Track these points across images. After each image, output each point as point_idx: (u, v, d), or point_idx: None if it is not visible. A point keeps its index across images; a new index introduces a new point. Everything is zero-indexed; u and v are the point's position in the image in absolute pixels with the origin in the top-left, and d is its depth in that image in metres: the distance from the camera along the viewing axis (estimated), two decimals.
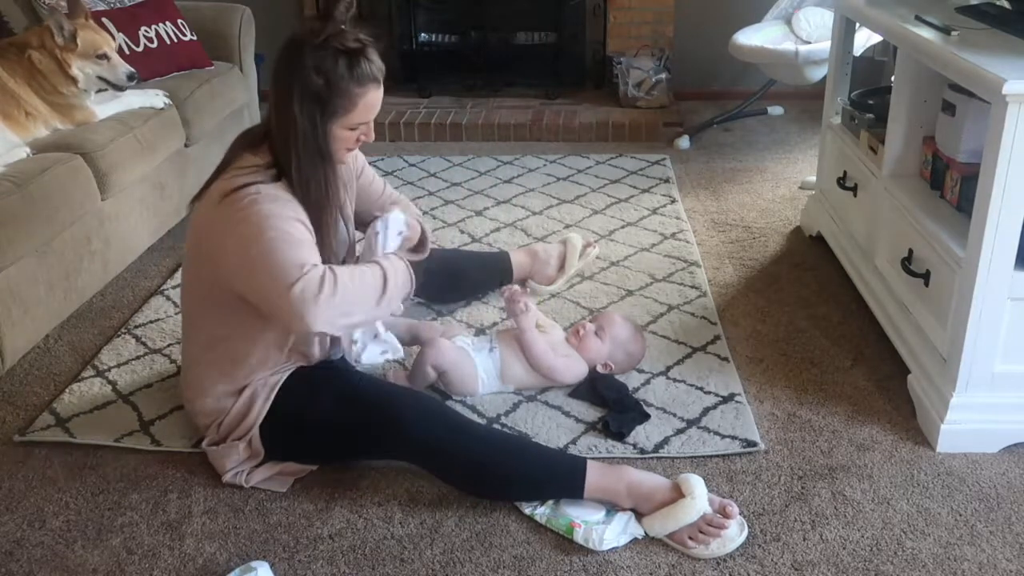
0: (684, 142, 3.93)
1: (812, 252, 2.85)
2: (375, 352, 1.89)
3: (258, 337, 1.75)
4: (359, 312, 1.69)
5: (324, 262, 1.67)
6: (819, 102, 2.97)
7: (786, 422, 2.01)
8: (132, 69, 2.69)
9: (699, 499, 1.66)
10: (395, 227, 1.92)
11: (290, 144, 1.65)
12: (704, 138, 4.03)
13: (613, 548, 1.64)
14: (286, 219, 1.63)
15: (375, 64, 1.65)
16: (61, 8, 2.75)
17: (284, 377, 1.80)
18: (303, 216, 1.67)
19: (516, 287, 2.16)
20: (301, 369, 1.83)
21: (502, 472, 1.73)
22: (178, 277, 2.72)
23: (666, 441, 1.94)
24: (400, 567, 1.63)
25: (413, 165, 3.73)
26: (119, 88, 2.70)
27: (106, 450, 1.95)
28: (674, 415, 2.02)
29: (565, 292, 2.59)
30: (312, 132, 1.64)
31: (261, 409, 1.78)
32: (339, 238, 1.81)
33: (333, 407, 1.78)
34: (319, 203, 1.70)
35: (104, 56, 2.64)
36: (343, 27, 1.63)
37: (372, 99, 1.66)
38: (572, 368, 2.10)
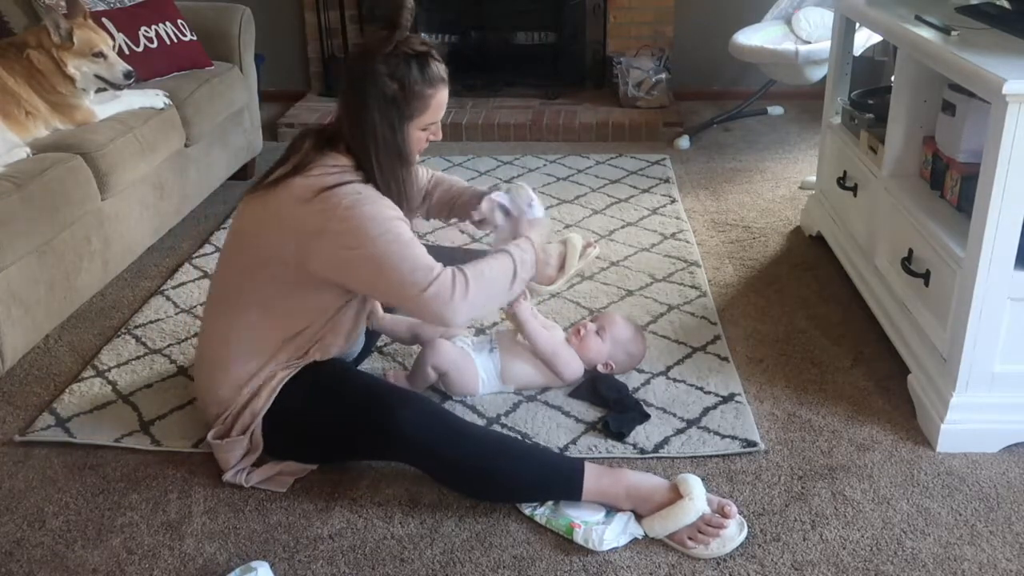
0: (684, 142, 3.93)
1: (812, 252, 2.85)
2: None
3: (320, 316, 1.80)
4: (493, 302, 1.83)
5: None
6: (819, 102, 2.98)
7: (786, 422, 2.01)
8: (129, 67, 2.69)
9: (697, 499, 1.66)
10: (524, 199, 1.99)
11: (370, 149, 1.72)
12: (704, 138, 4.03)
13: (613, 548, 1.64)
14: (395, 219, 1.70)
15: (441, 65, 1.75)
16: (60, 8, 2.75)
17: (292, 373, 1.81)
18: (402, 214, 1.74)
19: None
20: (305, 367, 1.83)
21: (499, 475, 1.72)
22: (178, 277, 2.73)
23: (666, 441, 1.94)
24: (400, 567, 1.63)
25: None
26: (116, 87, 2.70)
27: (106, 450, 1.95)
28: (674, 415, 2.02)
29: (565, 292, 2.59)
30: (392, 136, 1.72)
31: (266, 402, 1.78)
32: None
33: (331, 407, 1.78)
34: (399, 203, 1.76)
35: (101, 54, 2.63)
36: (408, 33, 1.71)
37: (442, 98, 1.76)
38: (572, 362, 2.10)
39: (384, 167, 1.74)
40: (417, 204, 1.99)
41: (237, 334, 1.80)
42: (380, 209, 1.70)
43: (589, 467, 1.73)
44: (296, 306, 1.79)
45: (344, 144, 1.75)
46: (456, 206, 2.10)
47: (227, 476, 1.81)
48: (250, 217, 1.79)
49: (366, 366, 2.19)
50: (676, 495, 1.68)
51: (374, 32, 1.71)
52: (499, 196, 1.99)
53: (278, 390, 1.79)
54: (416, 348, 2.14)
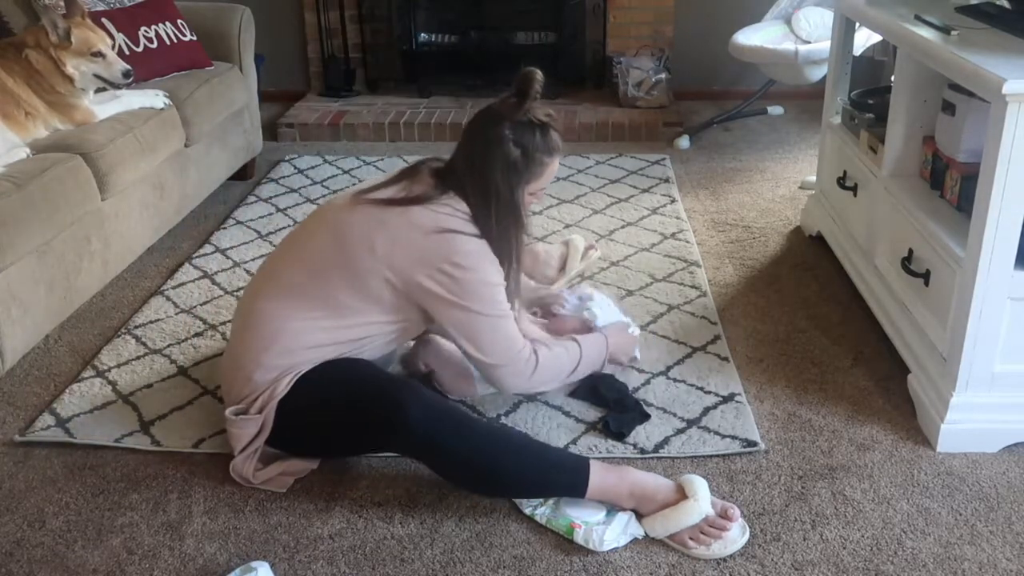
0: (684, 142, 3.93)
1: (812, 252, 2.85)
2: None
3: (377, 330, 1.84)
4: (548, 386, 1.97)
5: None
6: (819, 102, 2.98)
7: (786, 422, 2.01)
8: (128, 66, 2.69)
9: (702, 501, 1.66)
10: (606, 306, 2.20)
11: (491, 206, 1.81)
12: (704, 138, 4.03)
13: (613, 548, 1.64)
14: (501, 287, 1.83)
15: (560, 135, 1.86)
16: (59, 8, 2.75)
17: (312, 365, 1.81)
18: (504, 280, 1.85)
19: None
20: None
21: (504, 470, 1.72)
22: (178, 277, 2.73)
23: (666, 441, 1.94)
24: (400, 567, 1.63)
25: None
26: (115, 86, 2.70)
27: (106, 450, 1.95)
28: (674, 415, 2.02)
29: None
30: (510, 198, 1.81)
31: (286, 387, 1.78)
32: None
33: (339, 398, 1.78)
34: (508, 262, 1.86)
35: (99, 54, 2.63)
36: (534, 102, 1.80)
37: (555, 167, 1.88)
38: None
39: (501, 228, 1.82)
40: (520, 276, 2.04)
41: (298, 325, 1.79)
42: (493, 273, 1.81)
43: (594, 464, 1.73)
44: (363, 318, 1.81)
45: (461, 192, 1.82)
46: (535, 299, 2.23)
47: (237, 461, 1.81)
48: (359, 224, 1.80)
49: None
50: (680, 495, 1.68)
51: (505, 97, 1.81)
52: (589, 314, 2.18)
53: (299, 376, 1.79)
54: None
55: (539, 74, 1.77)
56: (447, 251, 1.76)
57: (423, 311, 1.83)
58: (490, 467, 1.72)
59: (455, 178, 1.83)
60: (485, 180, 1.79)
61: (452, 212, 1.79)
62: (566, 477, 1.72)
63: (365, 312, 1.81)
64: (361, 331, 1.82)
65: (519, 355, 1.85)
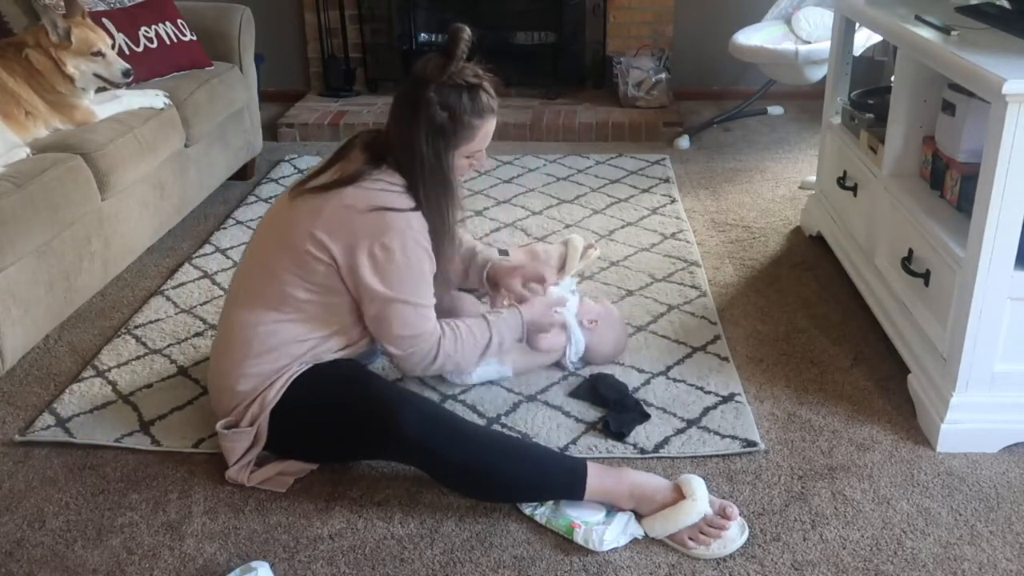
0: (684, 142, 3.93)
1: (812, 252, 2.85)
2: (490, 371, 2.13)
3: (350, 318, 1.84)
4: (454, 368, 1.96)
5: (438, 288, 1.86)
6: (819, 102, 2.98)
7: (786, 422, 2.01)
8: (128, 66, 2.69)
9: (700, 501, 1.66)
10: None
11: (417, 173, 1.77)
12: (704, 138, 4.03)
13: (613, 548, 1.64)
14: (426, 273, 1.80)
15: (492, 97, 1.79)
16: (59, 8, 2.75)
17: (304, 368, 1.81)
18: (433, 264, 1.83)
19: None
20: (314, 364, 1.84)
21: (501, 475, 1.72)
22: (178, 277, 2.73)
23: (666, 441, 1.94)
24: (400, 567, 1.63)
25: None
26: (115, 85, 2.70)
27: (106, 450, 1.95)
28: (674, 415, 2.02)
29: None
30: (437, 163, 1.77)
31: (276, 395, 1.79)
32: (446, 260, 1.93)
33: (334, 405, 1.79)
34: (441, 230, 1.83)
35: (99, 53, 2.63)
36: (463, 63, 1.74)
37: (489, 129, 1.81)
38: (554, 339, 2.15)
39: (430, 193, 1.79)
40: (456, 243, 2.02)
41: (266, 329, 1.80)
42: (420, 256, 1.78)
43: (591, 466, 1.73)
44: (331, 308, 1.81)
45: (395, 162, 1.79)
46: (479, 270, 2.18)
47: (231, 471, 1.81)
48: (298, 217, 1.79)
49: (377, 367, 2.18)
50: (679, 495, 1.68)
51: (429, 59, 1.75)
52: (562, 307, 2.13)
53: (288, 384, 1.79)
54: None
55: (467, 31, 1.73)
56: (380, 228, 1.74)
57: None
58: (486, 472, 1.72)
59: (388, 149, 1.80)
60: (412, 147, 1.75)
61: (385, 186, 1.76)
62: (563, 480, 1.72)
63: (330, 300, 1.80)
64: (328, 325, 1.82)
65: (422, 346, 1.81)
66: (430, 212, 1.80)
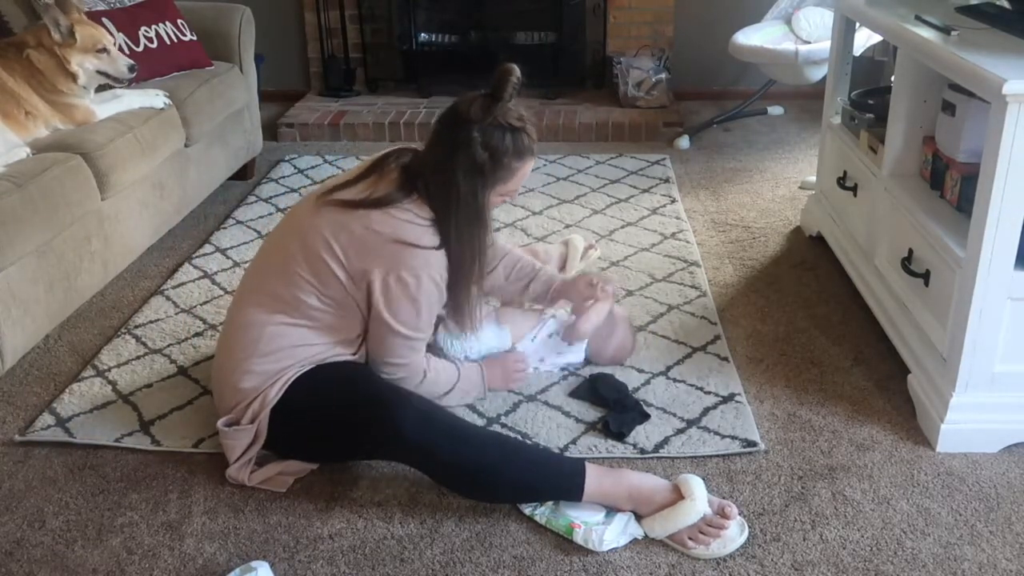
0: (684, 142, 3.93)
1: (812, 252, 2.85)
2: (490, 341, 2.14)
3: (359, 325, 1.86)
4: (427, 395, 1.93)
5: (456, 320, 1.90)
6: (819, 102, 2.98)
7: (786, 422, 2.01)
8: (132, 61, 2.69)
9: (699, 500, 1.66)
10: (545, 331, 2.20)
11: (451, 210, 1.77)
12: (704, 138, 4.03)
13: (613, 549, 1.64)
14: (430, 309, 1.82)
15: (533, 139, 1.81)
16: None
17: (305, 369, 1.82)
18: (444, 299, 1.84)
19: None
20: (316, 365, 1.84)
21: (499, 476, 1.72)
22: (178, 277, 2.73)
23: (666, 441, 1.94)
24: (400, 567, 1.63)
25: None
26: (120, 81, 2.70)
27: (106, 450, 1.95)
28: (674, 415, 2.02)
29: None
30: (472, 200, 1.77)
31: (277, 393, 1.79)
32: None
33: (333, 405, 1.79)
34: (470, 264, 1.83)
35: (104, 50, 2.63)
36: (508, 104, 1.75)
37: (527, 170, 1.83)
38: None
39: (462, 230, 1.78)
40: (488, 270, 2.04)
41: (275, 330, 1.80)
42: (430, 295, 1.79)
43: (590, 468, 1.73)
44: (342, 320, 1.82)
45: (425, 191, 1.79)
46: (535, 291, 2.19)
47: (231, 470, 1.81)
48: (321, 226, 1.79)
49: None
50: (677, 496, 1.68)
51: (475, 97, 1.75)
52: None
53: (289, 383, 1.79)
54: None
55: (516, 71, 1.72)
56: (399, 262, 1.75)
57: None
58: (485, 473, 1.72)
59: (420, 178, 1.80)
60: (448, 183, 1.75)
61: (412, 218, 1.76)
62: (562, 482, 1.72)
63: (337, 317, 1.81)
64: (337, 335, 1.83)
65: (401, 374, 1.86)
66: (461, 245, 1.80)
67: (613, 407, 2.03)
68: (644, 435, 1.95)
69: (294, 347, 1.80)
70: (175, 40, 3.17)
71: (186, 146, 3.01)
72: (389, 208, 1.76)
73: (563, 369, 2.19)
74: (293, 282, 1.80)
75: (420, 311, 1.80)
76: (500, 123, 1.74)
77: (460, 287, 1.84)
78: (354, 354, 1.88)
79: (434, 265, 1.78)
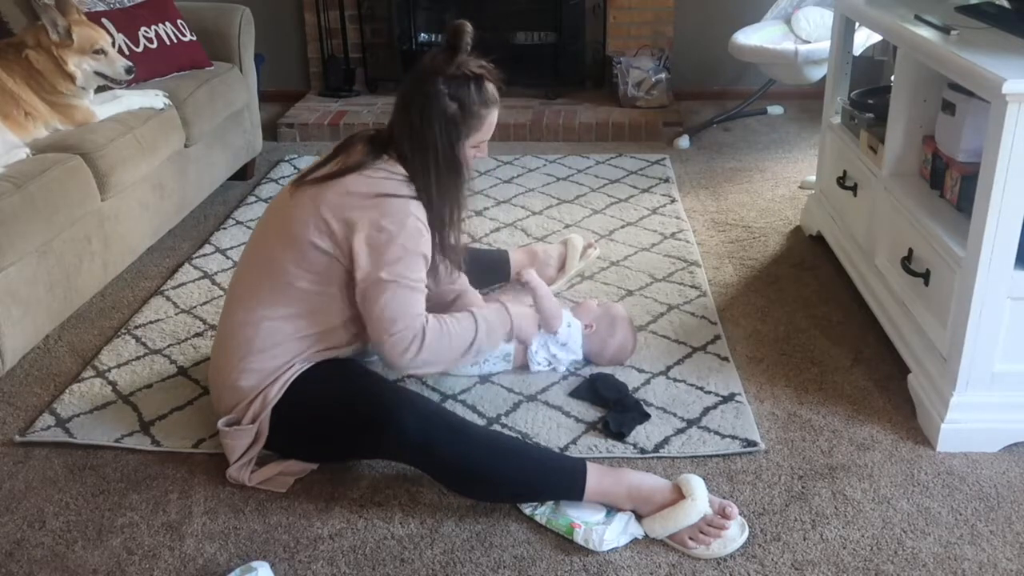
0: (684, 142, 3.93)
1: (812, 252, 2.85)
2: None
3: (352, 312, 1.84)
4: (439, 365, 1.87)
5: (434, 275, 1.89)
6: (819, 102, 2.98)
7: (786, 422, 2.01)
8: (130, 63, 2.69)
9: (699, 500, 1.66)
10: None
11: (430, 164, 1.81)
12: (704, 138, 4.03)
13: (613, 548, 1.64)
14: (420, 256, 1.79)
15: (495, 87, 1.84)
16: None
17: (308, 365, 1.82)
18: (431, 243, 1.84)
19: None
20: (316, 363, 1.84)
21: (500, 476, 1.72)
22: (178, 277, 2.73)
23: (666, 441, 1.94)
24: (400, 567, 1.63)
25: None
26: (118, 82, 2.70)
27: (106, 450, 1.95)
28: (674, 415, 2.02)
29: (565, 292, 2.59)
30: (450, 153, 1.81)
31: (279, 392, 1.79)
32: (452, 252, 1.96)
33: (334, 404, 1.79)
34: (450, 219, 1.87)
35: (101, 51, 2.63)
36: (467, 55, 1.79)
37: (494, 118, 1.86)
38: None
39: (443, 182, 1.82)
40: (463, 226, 2.03)
41: (269, 325, 1.80)
42: (418, 241, 1.78)
43: (591, 467, 1.73)
44: (331, 299, 1.82)
45: (397, 154, 1.82)
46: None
47: (232, 470, 1.81)
48: (299, 207, 1.81)
49: (378, 366, 2.17)
50: (678, 495, 1.68)
51: (435, 53, 1.80)
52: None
53: (291, 381, 1.80)
54: None
55: (468, 26, 1.78)
56: (381, 212, 1.76)
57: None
58: (485, 472, 1.72)
59: (391, 141, 1.83)
60: (424, 138, 1.79)
61: (388, 175, 1.80)
62: (563, 481, 1.72)
63: (325, 296, 1.82)
64: (329, 318, 1.83)
65: (405, 330, 1.76)
66: (441, 200, 1.83)
67: (613, 407, 2.03)
68: (644, 435, 1.95)
69: (288, 340, 1.80)
70: (175, 40, 3.17)
71: (186, 146, 3.01)
72: (363, 171, 1.80)
73: (557, 367, 2.19)
74: (279, 270, 1.81)
75: (410, 256, 1.78)
76: (463, 72, 1.78)
77: (444, 236, 1.88)
78: (349, 344, 1.87)
79: (416, 213, 1.80)
